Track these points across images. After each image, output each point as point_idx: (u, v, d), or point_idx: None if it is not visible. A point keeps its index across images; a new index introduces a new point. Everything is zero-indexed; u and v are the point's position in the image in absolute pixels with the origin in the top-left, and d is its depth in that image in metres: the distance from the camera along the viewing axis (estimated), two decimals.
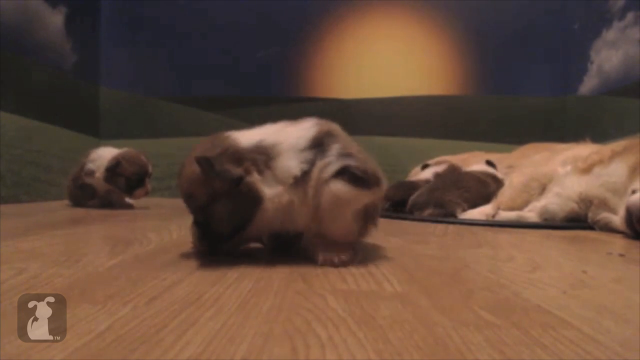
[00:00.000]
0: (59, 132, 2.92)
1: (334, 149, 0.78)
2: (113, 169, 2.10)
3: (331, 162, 0.77)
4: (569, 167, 1.72)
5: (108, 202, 2.19)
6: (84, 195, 2.19)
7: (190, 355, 0.40)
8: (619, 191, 1.50)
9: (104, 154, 2.19)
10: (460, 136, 3.35)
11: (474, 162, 2.40)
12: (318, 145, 0.79)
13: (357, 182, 0.77)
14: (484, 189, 1.92)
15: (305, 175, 0.77)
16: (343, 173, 0.77)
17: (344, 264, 0.79)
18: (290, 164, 0.77)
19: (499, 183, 1.99)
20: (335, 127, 0.84)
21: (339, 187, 0.77)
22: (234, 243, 0.84)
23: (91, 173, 2.15)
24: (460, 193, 1.88)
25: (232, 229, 0.80)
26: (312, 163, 0.77)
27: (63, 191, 2.36)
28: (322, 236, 0.81)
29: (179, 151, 3.44)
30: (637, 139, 1.62)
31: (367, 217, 0.84)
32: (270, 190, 0.77)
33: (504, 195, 1.87)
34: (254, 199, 0.77)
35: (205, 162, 0.75)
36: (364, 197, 0.80)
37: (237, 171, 0.76)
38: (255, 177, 0.77)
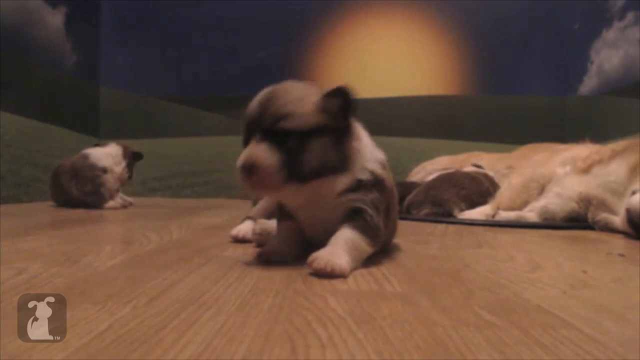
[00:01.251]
0: (59, 132, 2.92)
1: (373, 194, 0.81)
2: (137, 158, 2.35)
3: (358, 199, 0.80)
4: (568, 168, 1.72)
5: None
6: (101, 196, 2.19)
7: (190, 355, 0.40)
8: (617, 191, 1.50)
9: (107, 152, 2.28)
10: (460, 136, 3.35)
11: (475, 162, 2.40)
12: (369, 184, 0.81)
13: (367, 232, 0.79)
14: (478, 186, 1.97)
15: (344, 193, 0.80)
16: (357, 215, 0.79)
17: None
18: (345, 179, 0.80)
19: (490, 180, 2.04)
20: (389, 179, 0.87)
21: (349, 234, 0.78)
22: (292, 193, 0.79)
23: (104, 171, 2.22)
24: (457, 191, 1.91)
25: (315, 170, 0.76)
26: (353, 190, 0.80)
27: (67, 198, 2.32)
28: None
29: (179, 151, 3.45)
30: (638, 139, 1.62)
31: None
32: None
33: (503, 195, 1.87)
34: (344, 155, 0.79)
35: (349, 91, 0.78)
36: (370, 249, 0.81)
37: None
38: (356, 144, 0.81)
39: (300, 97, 0.77)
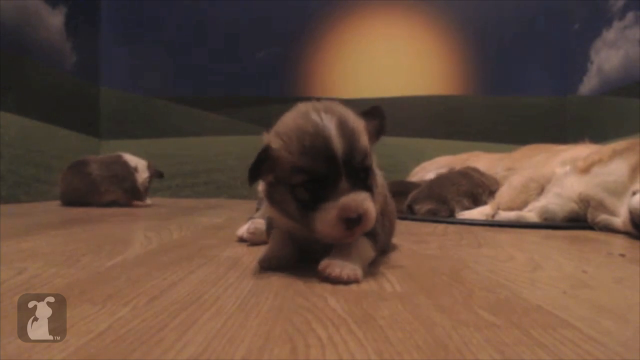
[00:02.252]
0: (59, 132, 2.92)
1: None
2: (158, 176, 2.55)
3: None
4: (568, 168, 1.72)
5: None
6: (136, 193, 2.41)
7: (190, 355, 0.40)
8: (616, 191, 1.49)
9: (134, 159, 2.47)
10: (460, 136, 3.35)
11: (475, 162, 2.42)
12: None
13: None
14: (470, 179, 2.07)
15: None
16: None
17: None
18: None
19: (477, 171, 2.16)
20: (380, 178, 0.84)
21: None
22: None
23: (136, 170, 2.43)
24: (456, 189, 2.01)
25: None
26: None
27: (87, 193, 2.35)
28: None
29: (179, 151, 3.45)
30: (639, 139, 1.61)
31: None
32: None
33: (503, 195, 1.87)
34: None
35: (383, 111, 0.78)
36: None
37: None
38: None
39: (359, 127, 0.72)
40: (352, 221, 0.67)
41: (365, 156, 0.71)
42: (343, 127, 0.70)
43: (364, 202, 0.68)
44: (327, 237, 0.70)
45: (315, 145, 0.68)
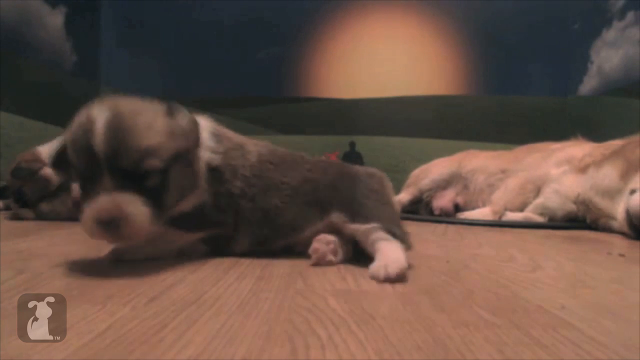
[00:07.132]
0: (59, 132, 2.91)
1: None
2: None
3: None
4: (566, 167, 1.73)
5: None
6: None
7: (190, 355, 0.40)
8: (610, 193, 1.49)
9: None
10: (459, 136, 3.35)
11: (470, 160, 2.38)
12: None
13: None
14: None
15: None
16: None
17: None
18: None
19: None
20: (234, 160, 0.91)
21: None
22: None
23: None
24: None
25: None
26: None
27: None
28: None
29: None
30: (632, 138, 1.61)
31: None
32: None
33: (501, 198, 1.87)
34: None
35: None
36: None
37: None
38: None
39: (146, 125, 0.67)
40: (107, 224, 0.63)
41: (144, 158, 0.64)
42: (115, 122, 0.63)
43: (123, 204, 0.63)
44: (91, 237, 0.67)
45: (77, 139, 0.65)
